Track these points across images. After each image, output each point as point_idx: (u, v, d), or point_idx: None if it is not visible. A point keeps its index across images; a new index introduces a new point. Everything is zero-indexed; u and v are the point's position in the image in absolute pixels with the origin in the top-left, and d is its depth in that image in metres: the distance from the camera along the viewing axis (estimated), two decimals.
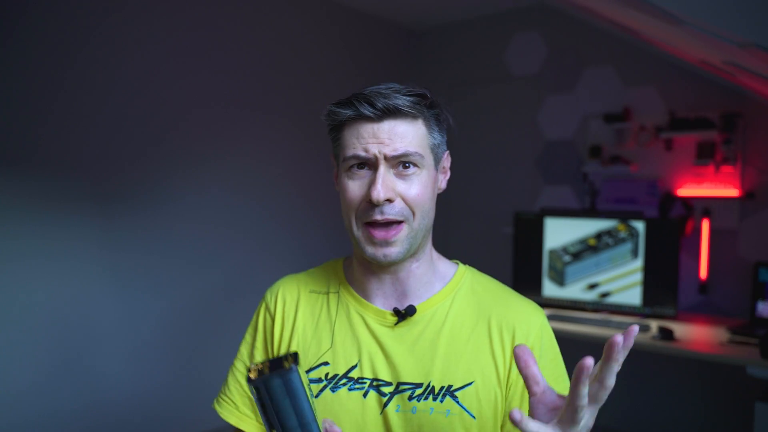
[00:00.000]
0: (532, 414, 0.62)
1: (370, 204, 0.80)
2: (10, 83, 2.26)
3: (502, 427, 0.82)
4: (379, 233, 0.81)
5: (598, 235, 2.59)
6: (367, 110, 0.79)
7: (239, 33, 3.03)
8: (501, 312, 0.86)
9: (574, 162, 3.29)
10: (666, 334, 2.19)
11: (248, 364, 0.92)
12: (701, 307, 2.89)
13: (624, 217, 2.56)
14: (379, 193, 0.78)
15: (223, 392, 0.93)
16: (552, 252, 2.68)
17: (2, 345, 2.26)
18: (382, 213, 0.80)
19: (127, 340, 2.63)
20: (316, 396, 0.83)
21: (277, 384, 0.55)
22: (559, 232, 2.66)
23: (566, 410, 0.58)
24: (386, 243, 0.81)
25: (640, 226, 2.51)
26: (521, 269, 2.76)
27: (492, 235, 3.64)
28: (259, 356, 0.91)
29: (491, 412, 0.81)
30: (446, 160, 0.90)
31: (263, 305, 0.94)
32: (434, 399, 0.81)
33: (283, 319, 0.90)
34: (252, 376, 0.55)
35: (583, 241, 2.62)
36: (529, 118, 3.50)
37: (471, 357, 0.83)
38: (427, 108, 0.83)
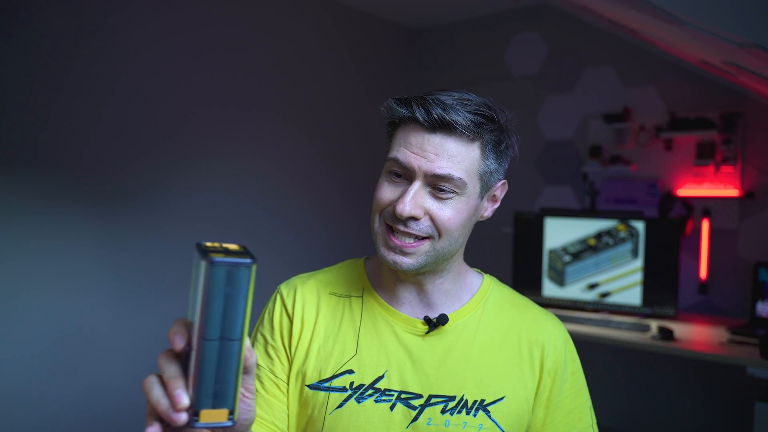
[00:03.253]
0: None
1: (395, 212, 0.75)
2: (10, 84, 2.26)
3: None
4: (396, 240, 0.77)
5: (598, 235, 2.59)
6: (420, 115, 0.74)
7: (239, 33, 3.03)
8: (529, 328, 0.84)
9: (574, 162, 3.29)
10: (666, 334, 2.19)
11: (268, 366, 0.84)
12: (701, 307, 2.89)
13: (624, 217, 2.56)
14: (405, 207, 0.74)
15: None
16: (552, 252, 2.68)
17: (1, 345, 2.26)
18: (405, 225, 0.76)
19: (126, 340, 2.63)
20: (341, 406, 0.79)
21: (243, 275, 0.45)
22: (559, 232, 2.66)
23: None
24: (401, 251, 0.77)
25: (640, 226, 2.51)
26: (521, 269, 2.76)
27: (492, 235, 3.64)
28: (283, 357, 0.84)
29: (520, 429, 0.80)
30: (499, 190, 0.84)
31: (278, 304, 0.87)
32: (467, 413, 0.78)
33: (303, 320, 0.84)
34: (214, 256, 0.44)
35: (583, 241, 2.62)
36: (529, 118, 3.50)
37: (502, 371, 0.81)
38: (490, 132, 0.78)
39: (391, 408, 0.78)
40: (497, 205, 0.86)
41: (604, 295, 2.58)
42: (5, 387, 2.26)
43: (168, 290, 2.77)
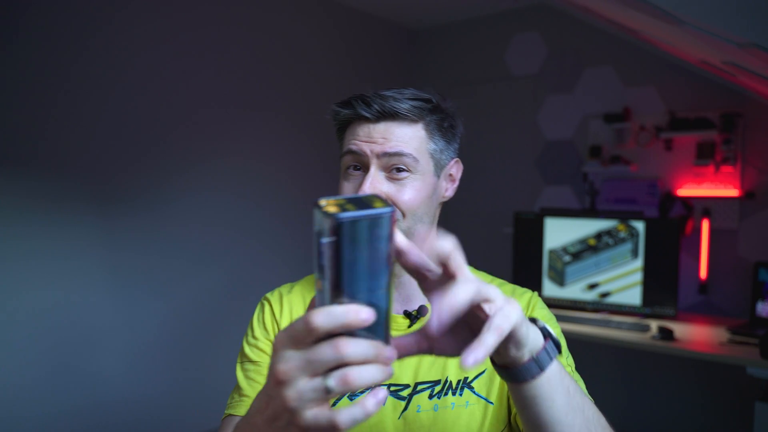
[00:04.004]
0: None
1: None
2: (11, 84, 2.26)
3: (514, 415, 0.82)
4: None
5: (598, 235, 2.59)
6: (363, 110, 0.80)
7: (239, 34, 3.03)
8: None
9: (574, 162, 3.29)
10: (666, 334, 2.19)
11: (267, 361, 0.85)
12: (701, 307, 2.89)
13: (624, 217, 2.56)
14: (365, 192, 0.77)
15: (236, 398, 0.85)
16: (552, 252, 2.68)
17: (1, 344, 2.26)
18: None
19: (126, 340, 2.63)
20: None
21: (364, 226, 0.40)
22: (559, 232, 2.66)
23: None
24: None
25: (640, 226, 2.51)
26: (521, 269, 2.76)
27: (492, 235, 3.64)
28: None
29: (502, 396, 0.83)
30: (454, 168, 0.88)
31: (266, 310, 0.90)
32: (453, 393, 0.81)
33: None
34: (331, 210, 0.39)
35: (583, 241, 2.62)
36: (529, 118, 3.49)
37: None
38: (430, 112, 0.82)
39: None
40: (456, 184, 0.90)
41: (604, 295, 2.58)
42: (5, 387, 2.26)
43: (168, 290, 2.77)
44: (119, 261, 2.61)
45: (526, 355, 0.51)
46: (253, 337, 0.89)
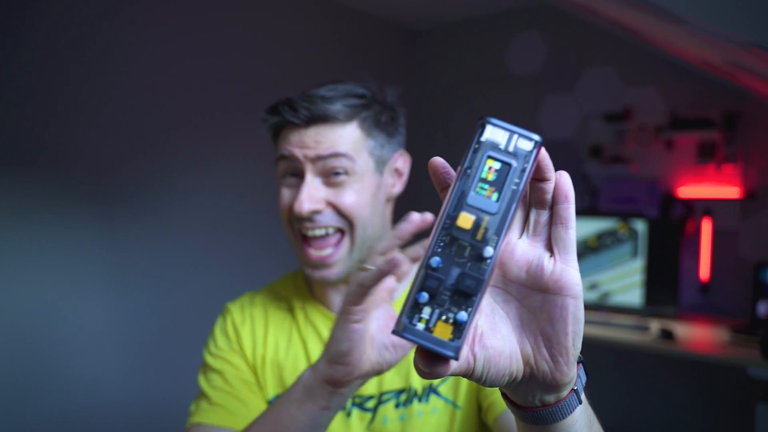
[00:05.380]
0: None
1: (294, 213, 0.75)
2: (10, 84, 2.26)
3: (487, 414, 0.77)
4: (314, 254, 0.76)
5: (599, 236, 2.59)
6: (291, 116, 0.75)
7: (237, 34, 3.03)
8: None
9: (574, 162, 3.29)
10: (666, 334, 2.18)
11: (234, 370, 0.81)
12: (702, 308, 2.88)
13: (624, 217, 2.55)
14: (303, 204, 0.74)
15: (204, 406, 0.79)
16: None
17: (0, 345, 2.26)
18: (312, 223, 0.75)
19: (124, 342, 2.63)
20: (348, 415, 0.79)
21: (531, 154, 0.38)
22: None
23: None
24: (323, 265, 0.76)
25: (640, 226, 2.51)
26: None
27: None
28: (246, 363, 0.83)
29: (470, 398, 0.79)
30: (400, 161, 0.84)
31: (228, 322, 0.87)
32: (419, 401, 0.78)
33: (254, 336, 0.84)
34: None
35: (583, 242, 2.61)
36: (529, 118, 3.49)
37: None
38: (364, 108, 0.78)
39: (348, 415, 0.78)
40: (405, 178, 0.85)
41: (605, 295, 2.58)
42: (4, 387, 2.25)
43: (167, 291, 2.77)
44: (117, 261, 2.60)
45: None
46: (216, 347, 0.85)
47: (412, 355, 0.80)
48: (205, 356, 0.86)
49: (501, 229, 0.36)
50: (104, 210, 2.56)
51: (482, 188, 0.36)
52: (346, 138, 0.76)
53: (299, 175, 0.77)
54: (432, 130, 3.88)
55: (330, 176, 0.76)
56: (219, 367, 0.82)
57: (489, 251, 0.35)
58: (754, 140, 2.76)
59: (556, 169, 0.41)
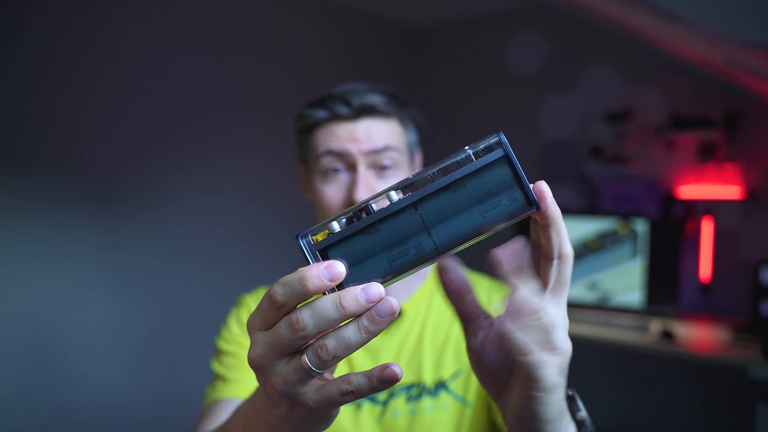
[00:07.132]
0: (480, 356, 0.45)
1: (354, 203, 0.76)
2: (10, 84, 2.25)
3: (497, 413, 0.79)
4: None
5: (599, 236, 2.58)
6: (342, 110, 0.77)
7: (238, 35, 3.02)
8: (479, 297, 0.86)
9: (574, 162, 3.28)
10: (667, 334, 2.17)
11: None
12: (702, 308, 2.88)
13: (624, 217, 2.55)
14: (360, 193, 0.74)
15: (220, 385, 0.82)
16: None
17: None
18: None
19: (123, 342, 2.62)
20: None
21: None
22: None
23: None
24: None
25: (640, 226, 2.50)
26: None
27: (491, 234, 3.63)
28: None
29: (480, 397, 0.80)
30: (418, 158, 0.88)
31: (243, 311, 0.88)
32: (430, 396, 0.79)
33: None
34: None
35: (583, 242, 2.61)
36: (529, 117, 3.48)
37: (456, 346, 0.82)
38: (400, 107, 0.82)
39: (358, 407, 0.79)
40: None
41: (605, 295, 2.57)
42: (4, 387, 2.25)
43: (166, 291, 2.76)
44: (116, 262, 2.60)
45: None
46: (230, 333, 0.87)
47: (422, 347, 0.81)
48: (218, 343, 0.88)
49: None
50: (104, 210, 2.56)
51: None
52: (392, 131, 0.79)
53: (347, 170, 0.78)
54: (432, 130, 3.87)
55: (378, 169, 0.77)
56: (232, 350, 0.84)
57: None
58: (755, 140, 2.76)
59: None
